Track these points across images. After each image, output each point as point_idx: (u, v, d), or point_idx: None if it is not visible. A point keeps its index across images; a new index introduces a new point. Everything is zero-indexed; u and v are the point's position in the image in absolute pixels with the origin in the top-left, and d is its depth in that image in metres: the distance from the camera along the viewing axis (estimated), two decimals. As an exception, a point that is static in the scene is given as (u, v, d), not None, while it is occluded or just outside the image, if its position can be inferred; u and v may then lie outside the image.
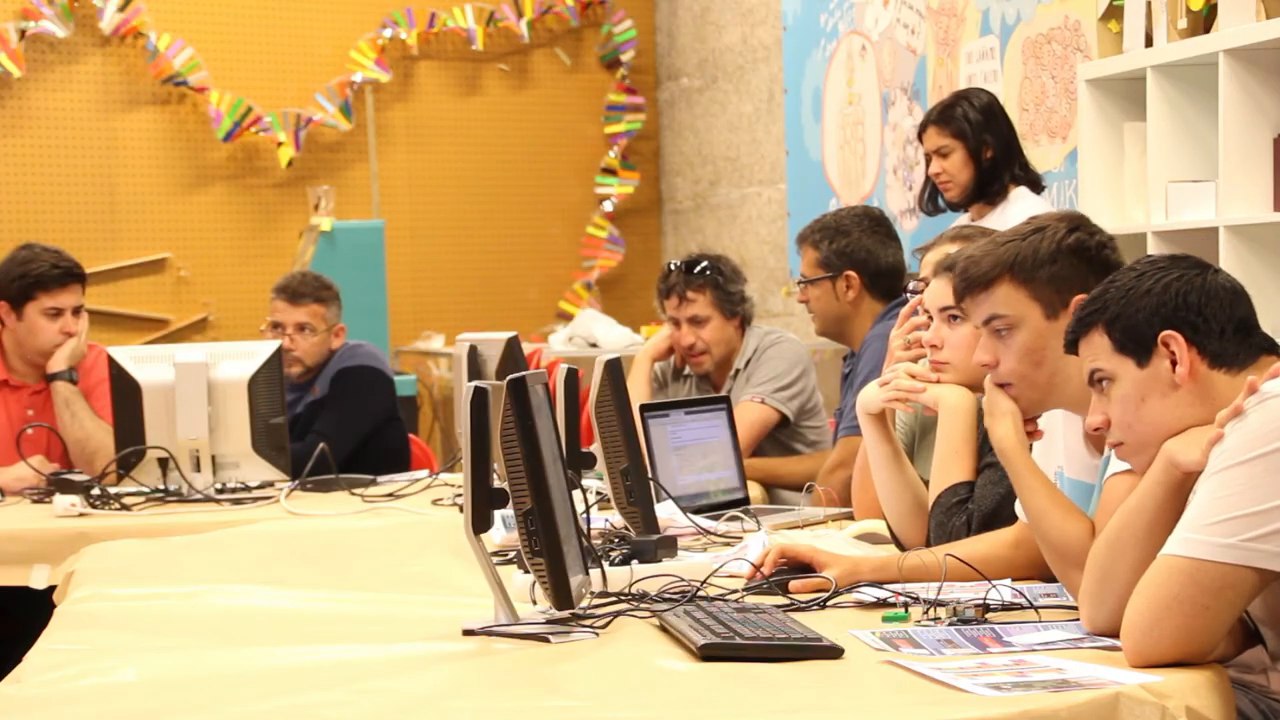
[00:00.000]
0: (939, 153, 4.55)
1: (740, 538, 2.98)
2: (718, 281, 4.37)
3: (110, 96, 7.43)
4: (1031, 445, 2.46)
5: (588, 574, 2.35)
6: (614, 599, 2.43)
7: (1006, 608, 2.28)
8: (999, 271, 2.40)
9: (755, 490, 3.92)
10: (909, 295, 3.37)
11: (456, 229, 8.01)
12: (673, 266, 4.45)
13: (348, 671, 2.08)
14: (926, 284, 2.91)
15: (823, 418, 4.41)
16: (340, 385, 4.56)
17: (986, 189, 4.52)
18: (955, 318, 2.74)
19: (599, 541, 2.80)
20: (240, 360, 4.15)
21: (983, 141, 4.49)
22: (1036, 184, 4.60)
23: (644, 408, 3.49)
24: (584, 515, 2.52)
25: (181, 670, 2.15)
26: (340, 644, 2.25)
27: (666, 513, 3.09)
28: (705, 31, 7.89)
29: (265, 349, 4.20)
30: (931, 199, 4.74)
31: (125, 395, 4.08)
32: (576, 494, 2.47)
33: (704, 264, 4.40)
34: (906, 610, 2.28)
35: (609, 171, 8.28)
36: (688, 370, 4.50)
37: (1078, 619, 2.14)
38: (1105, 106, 4.52)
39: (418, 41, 7.90)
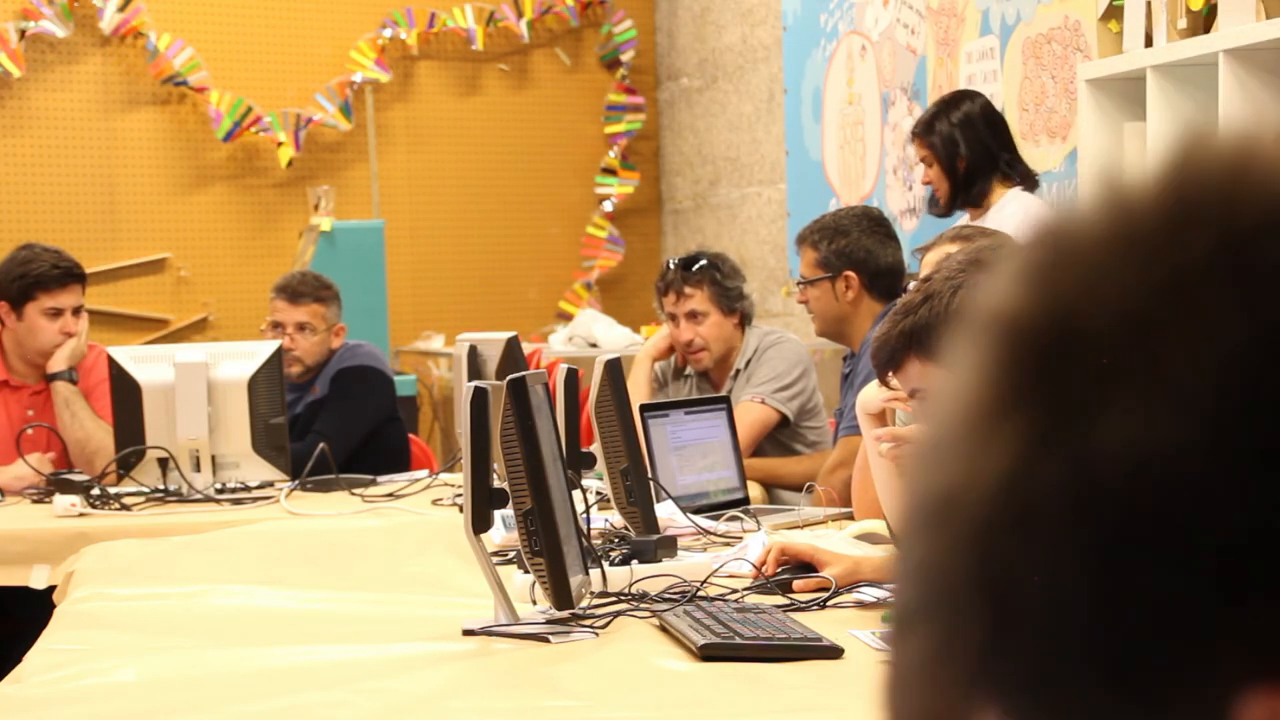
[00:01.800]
0: (924, 162, 4.58)
1: (740, 538, 2.98)
2: (715, 277, 4.38)
3: (110, 96, 7.43)
4: None
5: (588, 574, 2.35)
6: (614, 599, 2.44)
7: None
8: (903, 351, 2.43)
9: (755, 490, 3.92)
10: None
11: (456, 229, 8.00)
12: (670, 264, 4.46)
13: (348, 671, 2.08)
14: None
15: (823, 418, 4.41)
16: (340, 385, 4.56)
17: (965, 195, 4.52)
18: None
19: (599, 541, 2.80)
20: (240, 360, 4.15)
21: (955, 154, 4.49)
22: (1030, 182, 4.60)
23: (644, 408, 3.49)
24: (584, 515, 2.52)
25: (181, 670, 2.15)
26: (340, 644, 2.25)
27: (666, 513, 3.09)
28: (705, 31, 7.89)
29: (265, 349, 4.20)
30: (935, 202, 4.76)
31: (125, 395, 4.08)
32: (576, 494, 2.47)
33: (701, 260, 4.41)
34: (906, 610, 2.28)
35: (609, 171, 8.28)
36: (688, 370, 4.50)
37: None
38: (1105, 106, 4.52)
39: (418, 41, 7.90)
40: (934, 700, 0.49)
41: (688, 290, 4.37)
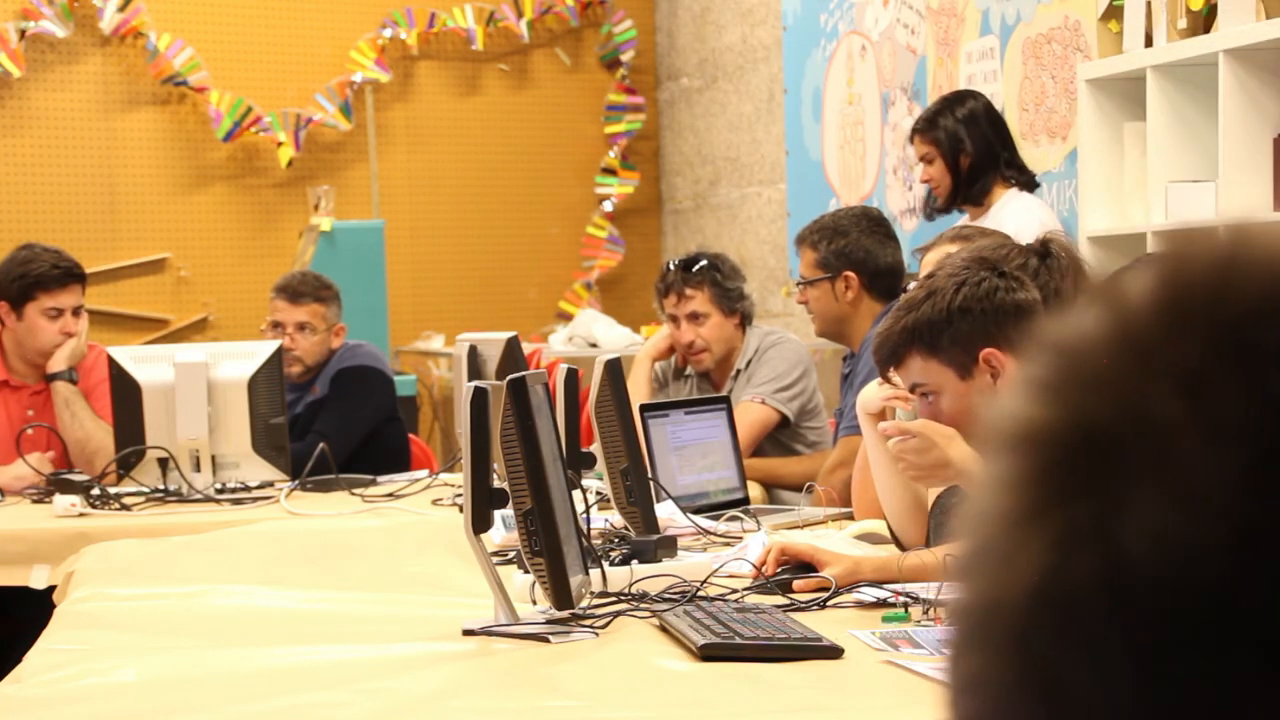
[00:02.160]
0: (925, 159, 4.57)
1: (740, 538, 2.98)
2: (715, 278, 4.38)
3: (110, 96, 7.43)
4: None
5: (588, 574, 2.35)
6: (614, 599, 2.43)
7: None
8: (905, 347, 2.44)
9: (755, 490, 3.92)
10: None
11: (456, 229, 8.01)
12: (671, 265, 4.47)
13: (348, 671, 2.08)
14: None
15: (823, 418, 4.41)
16: (340, 385, 4.56)
17: (967, 192, 4.52)
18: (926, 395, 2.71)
19: (599, 541, 2.80)
20: (240, 360, 4.15)
21: (959, 149, 4.49)
22: (1029, 184, 4.60)
23: (644, 408, 3.49)
24: (584, 515, 2.52)
25: (181, 670, 2.15)
26: (340, 644, 2.25)
27: (666, 513, 3.09)
28: (705, 31, 7.89)
29: (265, 349, 4.20)
30: (933, 201, 4.74)
31: (125, 395, 4.08)
32: (576, 494, 2.47)
33: (702, 261, 4.41)
34: (906, 610, 2.28)
35: (609, 171, 8.28)
36: (689, 370, 4.50)
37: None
38: (1105, 106, 4.52)
39: (418, 41, 7.90)
40: None
41: (688, 292, 4.37)
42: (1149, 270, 0.51)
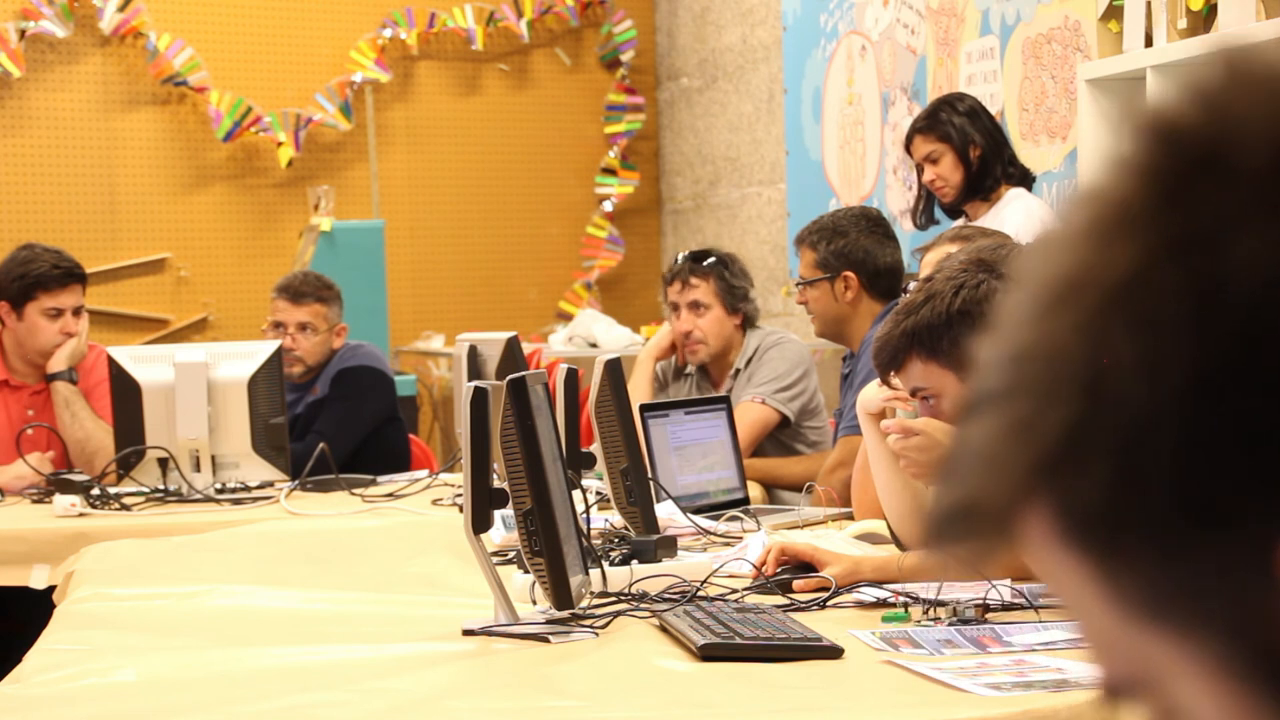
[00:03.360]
0: (929, 159, 4.53)
1: (740, 538, 2.98)
2: (722, 273, 4.40)
3: (110, 96, 7.43)
4: None
5: (588, 574, 2.35)
6: (614, 599, 2.44)
7: (1006, 607, 2.29)
8: (904, 351, 2.45)
9: (755, 490, 3.92)
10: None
11: (456, 229, 8.01)
12: (681, 256, 4.49)
13: (348, 671, 2.08)
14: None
15: (824, 418, 4.41)
16: (340, 385, 4.56)
17: (980, 185, 4.51)
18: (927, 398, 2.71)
19: (599, 541, 2.80)
20: (240, 360, 4.16)
21: (969, 140, 4.48)
22: (1028, 180, 4.59)
23: (644, 408, 3.49)
24: (584, 515, 2.52)
25: (181, 670, 2.16)
26: (340, 644, 2.25)
27: (666, 513, 3.09)
28: (705, 31, 7.89)
29: (265, 349, 4.20)
30: (926, 211, 4.70)
31: (125, 395, 4.09)
32: (576, 494, 2.47)
33: (712, 257, 4.44)
34: (906, 610, 2.28)
35: (609, 171, 8.28)
36: (689, 369, 4.51)
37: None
38: (1105, 106, 4.52)
39: (418, 41, 7.90)
40: (991, 483, 0.49)
41: (694, 280, 4.39)
42: None
